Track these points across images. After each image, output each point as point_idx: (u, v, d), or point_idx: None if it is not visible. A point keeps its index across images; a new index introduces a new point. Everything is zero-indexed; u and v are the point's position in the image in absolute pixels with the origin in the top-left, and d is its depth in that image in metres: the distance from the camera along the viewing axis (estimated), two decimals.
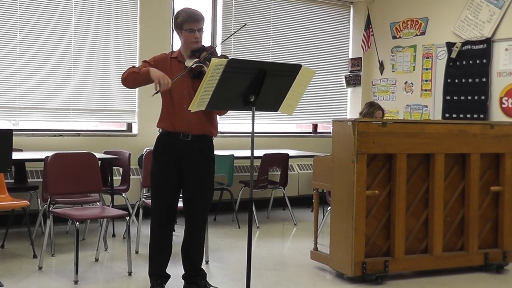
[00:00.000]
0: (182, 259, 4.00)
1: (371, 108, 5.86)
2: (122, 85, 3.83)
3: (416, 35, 7.86)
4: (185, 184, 3.86)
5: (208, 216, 4.93)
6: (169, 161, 3.81)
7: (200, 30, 3.77)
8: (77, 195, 5.24)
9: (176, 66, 3.81)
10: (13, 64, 6.23)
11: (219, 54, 3.91)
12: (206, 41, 7.39)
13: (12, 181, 5.85)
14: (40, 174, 5.92)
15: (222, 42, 5.84)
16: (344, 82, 8.64)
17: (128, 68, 3.85)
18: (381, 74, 8.35)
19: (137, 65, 6.71)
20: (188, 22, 3.74)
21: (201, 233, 3.98)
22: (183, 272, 4.02)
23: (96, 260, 4.84)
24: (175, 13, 3.88)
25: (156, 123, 3.92)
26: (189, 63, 3.71)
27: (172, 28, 7.09)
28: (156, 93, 3.58)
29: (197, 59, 3.71)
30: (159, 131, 3.90)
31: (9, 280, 4.19)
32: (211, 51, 3.77)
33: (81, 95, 6.60)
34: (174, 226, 4.01)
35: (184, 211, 3.95)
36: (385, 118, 6.16)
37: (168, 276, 3.97)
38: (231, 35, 4.11)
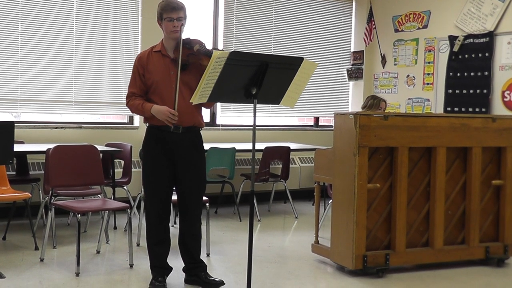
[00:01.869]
0: (180, 251, 4.01)
1: (376, 100, 5.87)
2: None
3: (419, 28, 7.84)
4: (178, 176, 3.86)
5: (210, 209, 4.95)
6: (161, 154, 3.82)
7: (180, 19, 3.75)
8: (79, 188, 5.25)
9: (160, 60, 3.81)
10: (14, 56, 6.23)
11: (210, 48, 3.87)
12: (206, 34, 7.43)
13: (14, 173, 5.85)
14: (42, 166, 5.93)
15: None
16: (346, 75, 8.62)
17: (128, 95, 3.87)
18: (383, 67, 8.33)
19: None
20: (166, 11, 3.74)
21: (197, 224, 3.98)
22: (183, 265, 4.04)
23: (98, 252, 4.85)
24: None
25: None
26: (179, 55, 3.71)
27: None
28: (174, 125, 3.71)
29: (190, 52, 3.71)
30: (146, 124, 3.90)
31: (10, 271, 4.21)
32: (200, 43, 3.76)
33: (82, 87, 6.60)
34: (169, 218, 4.00)
35: (179, 204, 3.96)
36: (387, 110, 6.16)
37: (170, 268, 3.98)
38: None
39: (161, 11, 3.76)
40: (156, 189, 3.87)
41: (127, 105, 3.91)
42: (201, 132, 3.96)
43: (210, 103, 3.97)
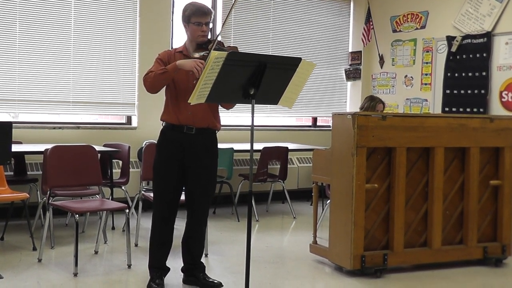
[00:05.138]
0: (182, 252, 4.01)
1: (373, 102, 5.83)
2: (147, 91, 3.74)
3: (416, 28, 7.85)
4: (188, 178, 3.85)
5: None
6: (172, 155, 3.80)
7: (208, 23, 3.77)
8: (77, 188, 5.25)
9: (181, 59, 3.79)
10: (12, 57, 6.22)
11: (225, 46, 3.87)
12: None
13: (12, 173, 5.85)
14: (40, 167, 5.92)
15: (223, 24, 5.79)
16: (344, 76, 8.63)
17: (145, 74, 3.74)
18: (381, 67, 8.33)
19: (137, 60, 6.73)
20: (195, 15, 3.74)
21: (203, 226, 3.99)
22: (182, 265, 4.04)
23: (96, 252, 4.85)
24: (183, 6, 3.85)
25: (157, 116, 3.92)
26: (196, 55, 3.70)
27: (172, 21, 7.08)
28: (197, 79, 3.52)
29: (205, 51, 3.68)
30: (162, 124, 3.89)
31: (8, 272, 4.20)
32: (219, 42, 3.75)
33: (80, 87, 6.59)
34: (175, 220, 4.00)
35: (186, 205, 3.95)
36: (385, 111, 6.15)
37: (168, 269, 3.98)
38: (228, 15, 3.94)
39: (191, 15, 3.75)
40: (164, 190, 3.85)
41: (145, 80, 3.71)
42: None
43: (230, 104, 3.93)
